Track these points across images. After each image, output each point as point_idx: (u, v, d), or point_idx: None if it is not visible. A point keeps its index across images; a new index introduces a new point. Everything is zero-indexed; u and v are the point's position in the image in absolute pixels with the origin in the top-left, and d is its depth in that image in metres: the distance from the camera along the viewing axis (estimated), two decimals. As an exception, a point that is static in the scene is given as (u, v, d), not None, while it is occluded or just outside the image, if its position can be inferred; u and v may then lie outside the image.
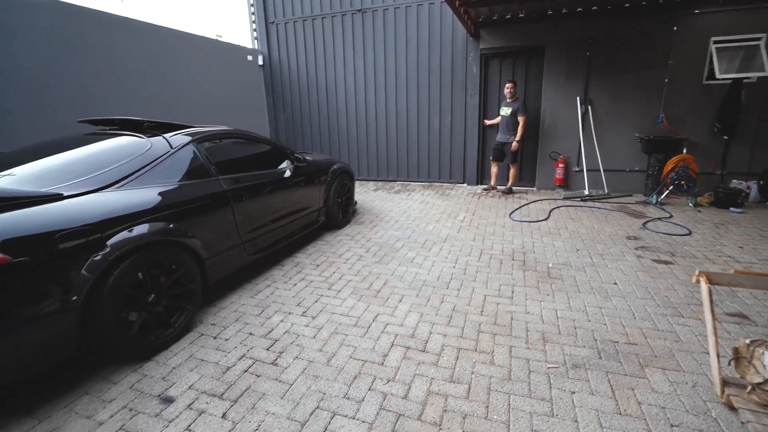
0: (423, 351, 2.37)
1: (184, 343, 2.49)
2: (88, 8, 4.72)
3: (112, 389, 2.11)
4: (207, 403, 2.00)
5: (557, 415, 1.87)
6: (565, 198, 5.93)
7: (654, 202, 5.47)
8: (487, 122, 6.57)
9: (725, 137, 5.38)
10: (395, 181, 7.47)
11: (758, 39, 5.04)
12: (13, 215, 1.86)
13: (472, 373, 2.18)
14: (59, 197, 2.07)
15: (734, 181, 5.52)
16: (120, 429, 1.85)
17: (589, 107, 6.00)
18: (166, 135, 2.82)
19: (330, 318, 2.76)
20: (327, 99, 7.57)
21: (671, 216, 4.92)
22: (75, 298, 1.95)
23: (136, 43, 5.29)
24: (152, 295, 2.36)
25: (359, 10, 6.95)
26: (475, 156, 6.83)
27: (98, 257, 2.03)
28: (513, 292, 3.07)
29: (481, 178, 7.01)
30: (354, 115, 7.44)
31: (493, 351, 2.35)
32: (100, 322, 2.07)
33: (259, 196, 3.31)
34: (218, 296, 3.08)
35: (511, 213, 5.21)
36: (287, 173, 3.78)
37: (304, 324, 2.69)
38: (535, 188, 6.64)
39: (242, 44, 7.55)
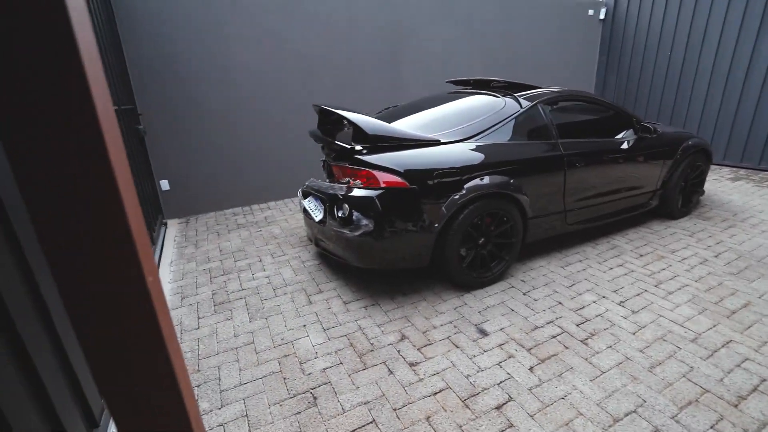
0: (813, 419, 1.67)
1: (496, 289, 2.74)
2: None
3: (442, 304, 2.59)
4: (516, 350, 2.14)
5: None
6: None
7: None
8: None
9: None
10: (771, 171, 5.32)
11: None
12: (411, 153, 2.45)
13: None
14: (438, 142, 2.57)
15: None
16: (446, 338, 2.27)
17: None
18: (518, 95, 2.96)
19: (656, 320, 2.35)
20: (684, 57, 5.99)
21: None
22: (436, 225, 2.44)
23: (490, 8, 5.72)
24: (482, 239, 2.67)
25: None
26: None
27: (456, 196, 2.44)
28: None
29: None
30: (724, 75, 5.59)
31: None
32: (447, 249, 2.52)
33: (593, 166, 3.06)
34: (528, 257, 3.18)
35: None
36: (626, 144, 3.30)
37: (622, 315, 2.40)
38: None
39: (587, -3, 6.89)
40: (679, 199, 3.80)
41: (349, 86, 4.89)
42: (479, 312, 2.49)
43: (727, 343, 2.14)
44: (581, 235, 3.51)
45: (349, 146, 2.50)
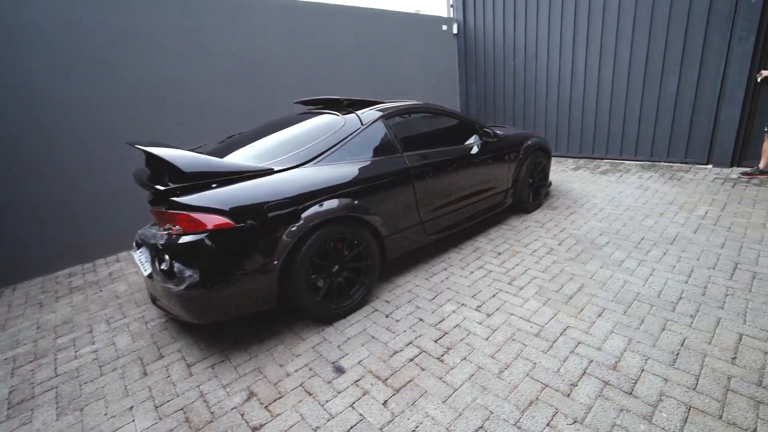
0: (629, 394, 1.79)
1: (359, 316, 2.60)
2: (308, 1, 5.34)
3: (300, 345, 2.36)
4: (372, 384, 2.00)
5: None
6: None
7: None
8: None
9: None
10: (602, 158, 6.18)
11: None
12: (238, 187, 2.20)
13: (713, 451, 1.51)
14: (270, 172, 2.36)
15: None
16: (300, 386, 2.04)
17: None
18: (359, 112, 2.91)
19: (507, 320, 2.41)
20: (525, 65, 6.75)
21: None
22: (276, 262, 2.22)
23: (343, 27, 5.77)
24: (336, 267, 2.52)
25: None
26: (735, 125, 4.93)
27: (294, 228, 2.25)
28: (796, 337, 2.03)
29: (740, 157, 5.05)
30: (556, 80, 6.41)
31: (756, 430, 1.58)
32: (294, 285, 2.31)
33: (442, 175, 3.13)
34: (394, 273, 3.13)
35: (796, 211, 3.55)
36: (474, 149, 3.48)
37: (477, 321, 2.43)
38: None
39: (437, 14, 7.40)
40: (530, 194, 4.14)
41: (198, 115, 4.48)
42: (338, 347, 2.32)
43: (565, 330, 2.27)
44: (447, 240, 3.60)
45: (163, 188, 2.17)
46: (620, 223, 3.69)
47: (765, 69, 4.62)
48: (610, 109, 5.91)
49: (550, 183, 4.71)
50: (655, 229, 3.49)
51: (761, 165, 4.57)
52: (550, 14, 6.24)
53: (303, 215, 2.29)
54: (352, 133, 2.73)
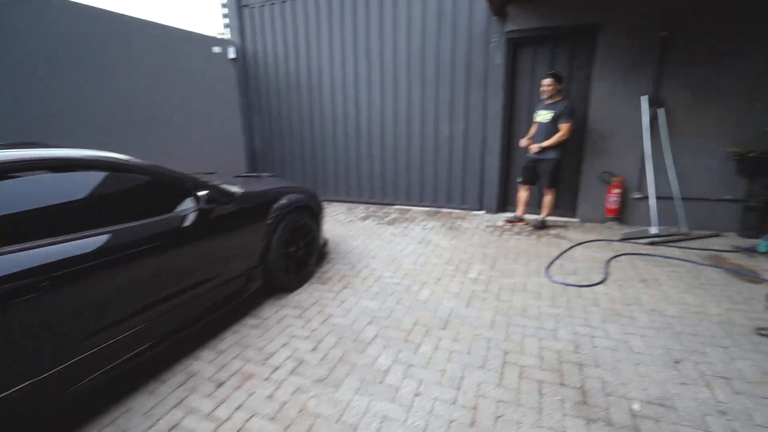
0: None
1: None
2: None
3: None
4: None
5: None
6: (625, 239, 4.22)
7: (764, 249, 3.71)
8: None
9: None
10: (393, 204, 5.89)
11: None
12: None
13: None
14: None
15: None
16: None
17: (661, 111, 4.28)
18: None
19: None
20: (310, 100, 6.07)
21: (803, 280, 3.17)
22: None
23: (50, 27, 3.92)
24: None
25: (350, -13, 5.43)
26: (496, 175, 5.18)
27: None
28: (572, 502, 1.45)
29: (504, 203, 5.36)
30: (342, 119, 5.91)
31: None
32: None
33: (98, 276, 1.79)
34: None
35: (549, 266, 3.56)
36: (187, 221, 2.29)
37: None
38: (577, 219, 4.94)
39: (207, 33, 6.13)
40: (292, 266, 3.18)
41: None
42: None
43: None
44: (146, 365, 2.23)
45: None
46: (395, 299, 3.04)
47: (523, 137, 4.54)
48: (395, 155, 5.67)
49: (326, 242, 3.91)
50: (430, 304, 2.94)
51: (518, 213, 4.82)
52: (331, 55, 5.74)
53: None
54: None
